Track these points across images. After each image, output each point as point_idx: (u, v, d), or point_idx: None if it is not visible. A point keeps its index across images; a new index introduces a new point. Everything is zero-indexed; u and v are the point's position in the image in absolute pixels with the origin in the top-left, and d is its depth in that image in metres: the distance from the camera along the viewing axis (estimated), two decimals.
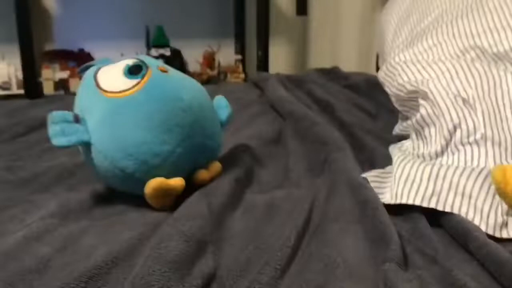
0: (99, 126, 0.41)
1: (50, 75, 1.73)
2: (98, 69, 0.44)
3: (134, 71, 0.43)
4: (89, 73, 0.45)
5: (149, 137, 0.41)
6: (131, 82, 0.42)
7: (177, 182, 0.42)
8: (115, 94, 0.42)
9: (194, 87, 0.47)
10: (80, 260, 0.35)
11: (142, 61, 0.44)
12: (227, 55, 2.06)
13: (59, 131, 0.40)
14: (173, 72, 0.46)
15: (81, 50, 1.91)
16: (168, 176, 0.42)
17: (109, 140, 0.41)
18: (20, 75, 1.70)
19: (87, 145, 0.42)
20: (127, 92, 0.42)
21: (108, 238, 0.37)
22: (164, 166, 0.42)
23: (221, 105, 0.49)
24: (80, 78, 0.48)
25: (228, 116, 0.50)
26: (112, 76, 0.43)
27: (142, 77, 0.42)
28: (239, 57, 2.04)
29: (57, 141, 0.39)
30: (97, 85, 0.42)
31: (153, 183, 0.41)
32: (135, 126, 0.41)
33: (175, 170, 0.43)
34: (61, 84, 1.76)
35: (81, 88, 0.44)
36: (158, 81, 0.43)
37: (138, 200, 0.44)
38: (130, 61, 0.44)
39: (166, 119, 0.42)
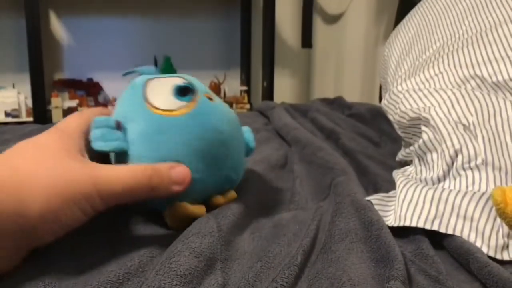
0: (139, 138, 0.41)
1: (59, 103, 1.76)
2: (148, 80, 0.44)
3: (182, 92, 0.43)
4: (137, 82, 0.44)
5: (185, 162, 0.42)
6: (179, 103, 0.42)
7: (201, 210, 0.43)
8: (161, 112, 0.42)
9: (233, 119, 0.47)
10: (92, 275, 0.35)
11: (191, 84, 0.44)
12: (232, 86, 2.09)
13: (99, 136, 0.40)
14: (217, 100, 0.46)
15: (90, 80, 1.95)
16: (188, 200, 0.43)
17: (147, 155, 0.41)
18: (29, 103, 1.74)
19: (123, 153, 0.42)
20: (173, 113, 0.42)
21: (120, 253, 0.38)
22: (190, 193, 0.42)
23: (249, 139, 0.50)
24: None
25: (252, 150, 0.50)
26: (161, 92, 0.43)
27: (189, 101, 0.43)
28: (245, 87, 2.07)
29: (96, 145, 0.40)
30: (145, 97, 0.43)
31: (180, 210, 0.42)
32: (174, 148, 0.41)
33: (197, 197, 0.44)
34: (70, 112, 1.79)
35: (127, 95, 0.44)
36: (204, 109, 0.43)
37: (152, 216, 0.45)
38: (179, 81, 0.44)
39: (204, 148, 0.42)
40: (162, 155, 0.42)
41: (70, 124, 0.42)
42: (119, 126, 0.42)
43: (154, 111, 0.42)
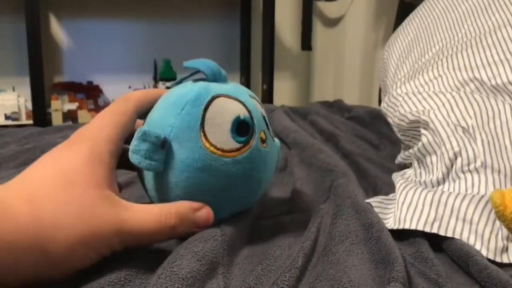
0: (181, 167, 0.39)
1: (59, 106, 1.77)
2: (211, 100, 0.40)
3: (241, 129, 0.41)
4: (200, 100, 0.40)
5: (214, 205, 0.41)
6: (233, 144, 0.40)
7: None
8: (213, 150, 0.40)
9: (274, 164, 0.46)
10: (93, 276, 0.35)
11: (251, 118, 0.41)
12: None
13: (141, 150, 0.38)
14: (269, 141, 0.44)
15: (90, 83, 1.95)
16: None
17: (182, 186, 0.40)
18: (29, 105, 1.74)
19: (158, 174, 0.41)
20: (224, 154, 0.40)
21: (122, 255, 0.38)
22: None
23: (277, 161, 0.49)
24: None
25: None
26: (219, 124, 0.40)
27: (244, 144, 0.41)
28: None
29: (134, 158, 0.39)
30: (202, 126, 0.39)
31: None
32: (210, 189, 0.40)
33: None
34: (70, 115, 1.80)
35: (184, 112, 0.40)
36: (253, 158, 0.41)
37: None
38: (241, 111, 0.41)
39: (238, 194, 0.42)
40: (196, 192, 0.40)
41: (105, 131, 0.38)
42: (163, 145, 0.39)
43: (207, 146, 0.39)
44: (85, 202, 0.35)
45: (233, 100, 0.42)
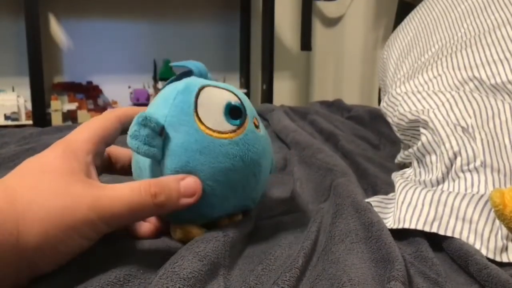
0: (179, 151, 0.39)
1: (59, 106, 1.77)
2: (201, 88, 0.41)
3: (234, 114, 0.41)
4: (190, 86, 0.41)
5: (214, 187, 0.40)
6: (228, 126, 0.40)
7: (200, 232, 0.42)
8: (209, 132, 0.40)
9: (270, 152, 0.46)
10: (92, 276, 0.35)
11: (242, 104, 0.42)
12: None
13: (140, 136, 0.38)
14: (262, 128, 0.44)
15: (89, 83, 1.95)
16: (197, 219, 0.42)
17: (181, 171, 0.39)
18: (29, 106, 1.74)
19: (156, 162, 0.40)
20: (220, 135, 0.40)
21: (122, 256, 0.38)
22: (204, 216, 0.42)
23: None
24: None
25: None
26: (212, 108, 0.40)
27: (239, 126, 0.41)
28: (244, 91, 2.07)
29: (132, 143, 0.38)
30: (196, 110, 0.40)
31: (183, 234, 0.42)
32: (210, 172, 0.40)
33: (208, 220, 0.43)
34: (69, 115, 1.80)
35: (176, 101, 0.40)
36: (249, 139, 0.41)
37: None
38: (232, 98, 0.41)
39: (238, 179, 0.41)
40: (195, 175, 0.40)
41: (82, 135, 0.39)
42: (161, 132, 0.39)
43: (202, 128, 0.40)
44: (58, 183, 0.35)
45: (222, 89, 0.43)
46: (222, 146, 0.40)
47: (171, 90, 0.42)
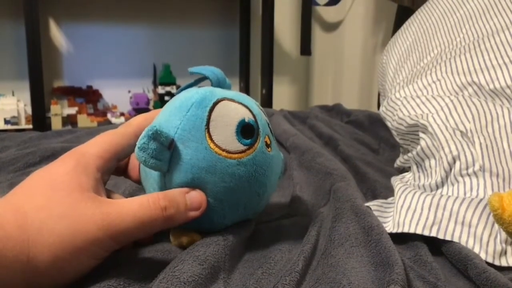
0: (186, 168, 0.39)
1: (59, 110, 1.77)
2: (217, 103, 0.40)
3: (246, 131, 0.41)
4: (205, 103, 0.40)
5: (217, 207, 0.40)
6: (238, 146, 0.40)
7: (199, 239, 0.42)
8: (219, 151, 0.39)
9: (279, 172, 0.46)
10: (92, 280, 0.35)
11: (256, 121, 0.41)
12: None
13: (149, 149, 0.38)
14: (273, 147, 0.44)
15: (89, 87, 1.95)
16: (196, 228, 0.42)
17: (187, 187, 0.40)
18: (29, 110, 1.74)
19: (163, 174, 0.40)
20: (229, 155, 0.40)
21: (122, 260, 0.38)
22: (203, 228, 0.42)
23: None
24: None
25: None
26: (224, 126, 0.40)
27: (249, 147, 0.40)
28: None
29: (140, 155, 0.38)
30: (207, 126, 0.39)
31: (182, 240, 0.42)
32: (215, 190, 0.40)
33: (207, 230, 0.43)
34: (69, 120, 1.80)
35: (189, 113, 0.40)
36: (258, 161, 0.41)
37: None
38: (245, 114, 0.41)
39: (241, 198, 0.41)
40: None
41: (95, 148, 0.39)
42: (170, 146, 0.39)
43: (211, 147, 0.39)
44: (68, 203, 0.35)
45: (238, 104, 0.42)
46: (229, 166, 0.40)
47: (186, 100, 0.41)
